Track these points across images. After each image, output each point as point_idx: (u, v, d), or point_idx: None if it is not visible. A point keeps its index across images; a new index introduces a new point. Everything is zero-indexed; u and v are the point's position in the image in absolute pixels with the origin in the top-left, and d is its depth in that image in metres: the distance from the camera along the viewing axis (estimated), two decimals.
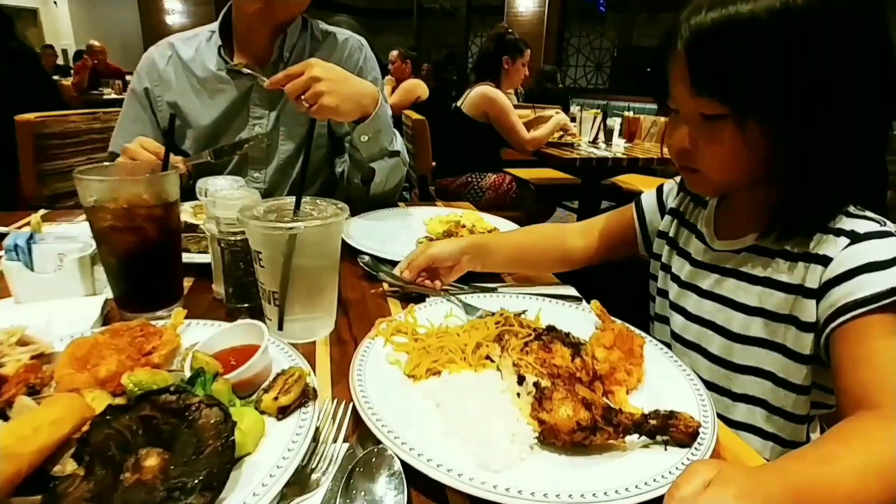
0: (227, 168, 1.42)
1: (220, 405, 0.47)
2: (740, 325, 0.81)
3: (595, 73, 9.77)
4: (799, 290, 0.74)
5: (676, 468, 0.54)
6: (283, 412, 0.57)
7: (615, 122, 3.67)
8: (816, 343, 0.73)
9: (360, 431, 0.60)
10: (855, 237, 0.70)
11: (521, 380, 0.63)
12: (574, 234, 1.07)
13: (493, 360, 0.70)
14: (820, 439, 0.56)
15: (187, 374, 0.59)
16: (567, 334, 0.70)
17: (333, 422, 0.59)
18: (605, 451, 0.58)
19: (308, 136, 0.88)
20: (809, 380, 0.76)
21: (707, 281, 0.86)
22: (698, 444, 0.58)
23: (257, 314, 0.80)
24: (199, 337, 0.68)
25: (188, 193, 1.21)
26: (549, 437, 0.58)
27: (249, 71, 1.32)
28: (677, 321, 0.91)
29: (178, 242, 0.85)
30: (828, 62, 0.66)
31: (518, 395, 0.62)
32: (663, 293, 0.96)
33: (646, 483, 0.52)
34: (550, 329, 0.71)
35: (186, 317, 0.75)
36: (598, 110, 3.84)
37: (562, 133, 3.70)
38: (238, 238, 0.80)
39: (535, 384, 0.61)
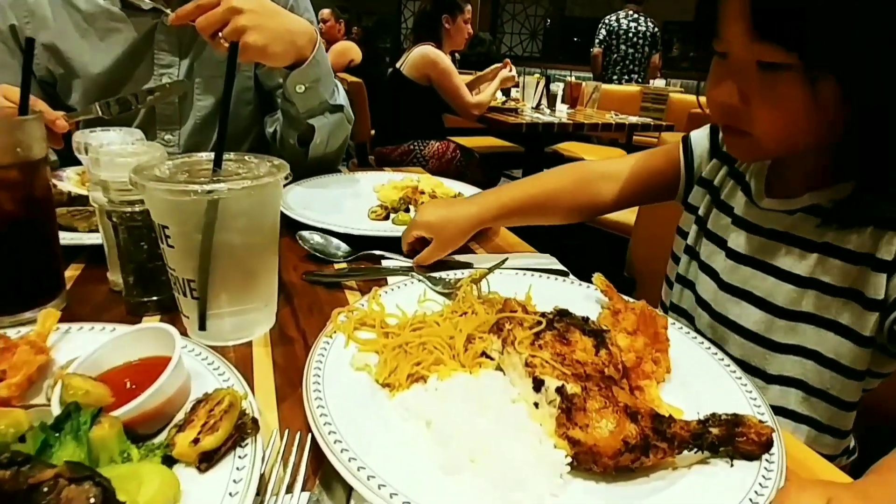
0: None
1: (93, 477, 0.29)
2: (787, 299, 0.68)
3: (530, 42, 9.65)
4: (868, 261, 0.61)
5: (756, 493, 0.41)
6: (207, 459, 0.38)
7: (558, 88, 3.59)
8: (880, 324, 0.61)
9: (323, 472, 0.43)
10: None
11: (538, 384, 0.47)
12: (600, 177, 0.92)
13: (491, 358, 0.54)
14: None
15: (56, 411, 0.39)
16: (586, 319, 0.55)
17: (285, 465, 0.42)
18: (653, 469, 0.45)
19: (229, 70, 0.65)
20: (866, 364, 0.65)
21: (748, 244, 0.72)
22: (770, 455, 0.45)
23: (170, 309, 0.60)
24: (83, 349, 0.48)
25: (75, 159, 0.96)
26: (586, 462, 0.43)
27: (152, 4, 1.06)
28: (707, 287, 0.77)
29: (49, 217, 0.63)
30: None
31: (536, 404, 0.47)
32: (692, 252, 0.82)
33: None
34: (563, 314, 0.55)
35: (69, 319, 0.55)
36: (541, 75, 3.72)
37: (505, 99, 3.56)
38: (136, 209, 0.60)
39: (559, 390, 0.46)
